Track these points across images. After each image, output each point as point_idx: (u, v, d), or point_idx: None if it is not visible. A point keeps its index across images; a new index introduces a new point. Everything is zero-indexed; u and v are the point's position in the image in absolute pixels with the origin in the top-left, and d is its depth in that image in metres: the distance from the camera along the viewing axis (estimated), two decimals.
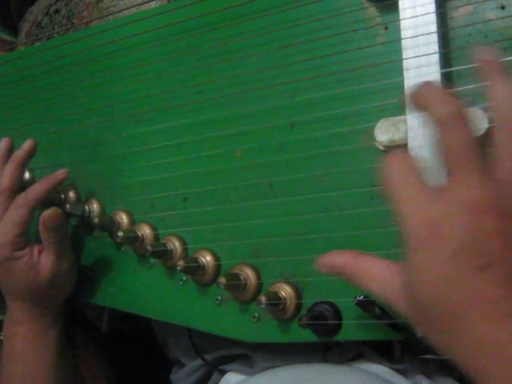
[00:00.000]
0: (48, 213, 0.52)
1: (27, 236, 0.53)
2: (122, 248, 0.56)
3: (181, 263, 0.49)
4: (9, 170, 0.53)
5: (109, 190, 0.57)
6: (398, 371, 0.48)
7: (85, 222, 0.57)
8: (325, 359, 0.50)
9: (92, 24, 0.79)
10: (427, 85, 0.33)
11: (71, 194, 0.59)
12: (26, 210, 0.52)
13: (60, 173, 0.55)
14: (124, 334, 0.83)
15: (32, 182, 0.57)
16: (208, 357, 0.58)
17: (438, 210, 0.29)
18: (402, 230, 0.31)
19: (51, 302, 0.56)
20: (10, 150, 0.55)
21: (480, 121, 0.40)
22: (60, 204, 0.56)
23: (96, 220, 0.54)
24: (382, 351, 0.49)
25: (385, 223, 0.44)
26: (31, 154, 0.55)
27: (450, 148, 0.30)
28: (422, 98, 0.32)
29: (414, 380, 0.47)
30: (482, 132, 0.39)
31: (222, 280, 0.47)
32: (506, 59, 0.41)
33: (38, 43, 0.84)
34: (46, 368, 0.55)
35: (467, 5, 0.42)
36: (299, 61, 0.49)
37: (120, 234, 0.52)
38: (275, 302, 0.46)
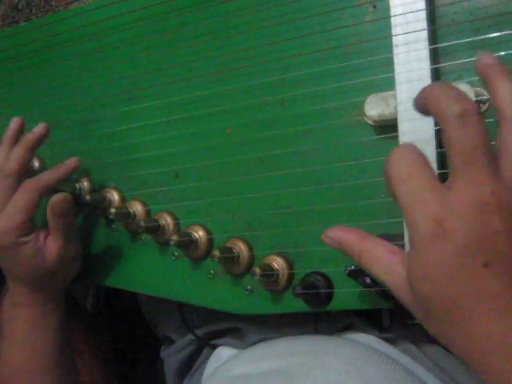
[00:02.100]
0: (57, 198, 0.51)
1: (33, 221, 0.52)
2: (113, 225, 0.57)
3: (174, 238, 0.50)
4: (17, 153, 0.51)
5: (99, 167, 0.58)
6: (387, 340, 0.49)
7: (75, 200, 0.58)
8: (315, 330, 0.52)
9: (71, 6, 0.79)
10: (439, 84, 0.34)
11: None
12: (35, 196, 0.51)
13: (72, 161, 0.54)
14: (110, 313, 0.84)
15: (41, 170, 0.56)
16: (199, 332, 0.59)
17: (446, 206, 0.30)
18: (408, 223, 0.31)
19: (54, 287, 0.55)
20: (21, 131, 0.54)
21: (467, 93, 0.41)
22: None
23: (87, 197, 0.55)
24: (371, 321, 0.50)
25: (373, 195, 0.46)
26: (42, 138, 0.54)
27: (461, 145, 0.30)
28: (433, 96, 0.32)
29: (403, 348, 0.49)
30: None
31: (216, 253, 0.48)
32: (491, 35, 0.42)
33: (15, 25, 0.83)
34: (45, 352, 0.55)
35: None
36: (288, 38, 0.50)
37: (112, 210, 0.53)
38: (269, 273, 0.47)
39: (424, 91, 0.33)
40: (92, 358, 0.69)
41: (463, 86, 0.42)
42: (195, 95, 0.53)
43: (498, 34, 0.42)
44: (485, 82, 0.33)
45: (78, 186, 0.57)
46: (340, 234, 0.37)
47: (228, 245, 0.50)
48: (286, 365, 0.46)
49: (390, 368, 0.45)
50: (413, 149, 0.32)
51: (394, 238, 0.43)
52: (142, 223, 0.52)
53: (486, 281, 0.29)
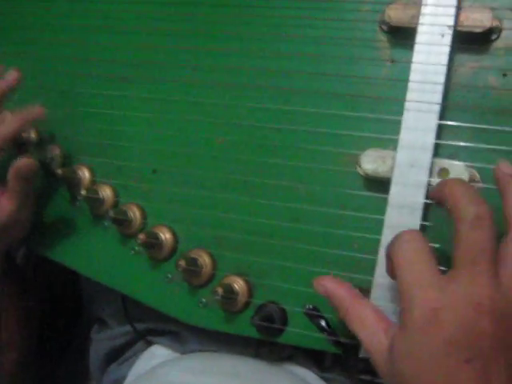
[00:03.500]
0: (25, 162, 0.49)
1: None
2: (77, 203, 0.55)
3: (142, 237, 0.50)
4: None
5: (76, 143, 0.56)
6: (325, 379, 0.51)
7: (45, 169, 0.56)
8: (256, 354, 0.52)
9: None
10: (460, 182, 0.35)
11: (33, 136, 0.57)
12: None
13: (36, 109, 0.52)
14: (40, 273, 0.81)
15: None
16: (138, 326, 0.59)
17: (444, 298, 0.32)
18: (404, 304, 0.33)
19: None
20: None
21: (461, 174, 0.42)
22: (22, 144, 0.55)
23: (59, 171, 0.53)
24: (312, 357, 0.52)
25: (347, 245, 0.47)
26: (12, 86, 0.52)
27: (470, 245, 0.32)
28: (453, 194, 0.34)
29: None
30: None
31: (182, 263, 0.48)
32: (493, 127, 0.44)
33: None
34: None
35: (473, 63, 0.45)
36: (298, 70, 0.49)
37: (83, 192, 0.52)
38: (229, 295, 0.47)
39: (445, 186, 0.35)
40: (14, 317, 0.67)
41: (459, 166, 0.43)
42: (194, 98, 0.52)
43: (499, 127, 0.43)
44: (499, 188, 0.35)
45: (49, 155, 0.55)
46: (333, 286, 0.39)
47: (193, 255, 0.50)
48: None
49: None
50: (419, 236, 0.34)
51: (361, 292, 0.45)
52: (112, 214, 0.51)
53: (465, 375, 0.31)
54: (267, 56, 0.50)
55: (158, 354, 0.57)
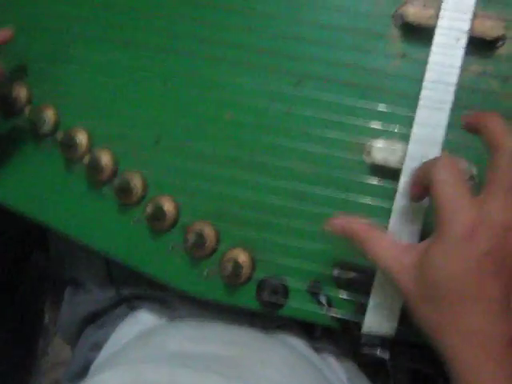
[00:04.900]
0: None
1: None
2: (73, 168, 0.54)
3: (149, 209, 0.50)
4: None
5: (71, 105, 0.54)
6: (314, 348, 0.54)
7: (35, 131, 0.54)
8: (250, 324, 0.55)
9: None
10: (499, 117, 0.39)
11: (22, 95, 0.54)
12: None
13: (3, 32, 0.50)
14: None
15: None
16: (122, 290, 0.59)
17: (480, 217, 0.36)
18: (442, 219, 0.37)
19: None
20: None
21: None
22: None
23: (59, 135, 0.51)
24: (303, 327, 0.55)
25: None
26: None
27: (505, 174, 0.36)
28: (496, 127, 0.38)
29: (323, 357, 0.55)
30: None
31: (190, 236, 0.49)
32: None
33: None
34: None
35: (477, 67, 0.49)
36: (312, 55, 0.51)
37: (84, 159, 0.51)
38: (237, 269, 0.49)
39: (486, 118, 0.39)
40: None
41: (462, 163, 0.47)
42: (205, 74, 0.52)
43: None
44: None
45: (42, 117, 0.53)
46: (348, 222, 0.43)
47: (197, 228, 0.51)
48: (226, 353, 0.49)
49: (317, 375, 0.50)
50: (456, 161, 0.39)
51: (363, 272, 0.48)
52: (117, 182, 0.51)
53: (491, 286, 0.36)
54: (284, 38, 0.51)
55: (142, 319, 0.58)
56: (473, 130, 0.40)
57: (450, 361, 0.37)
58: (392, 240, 0.42)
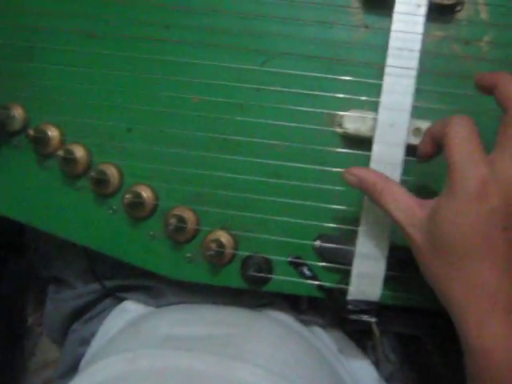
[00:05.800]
0: None
1: None
2: (45, 163, 0.54)
3: (128, 197, 0.50)
4: None
5: (39, 101, 0.54)
6: (301, 321, 0.55)
7: (3, 130, 0.53)
8: (237, 302, 0.55)
9: None
10: (506, 74, 0.39)
11: None
12: None
13: None
14: None
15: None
16: (106, 283, 0.59)
17: (492, 173, 0.36)
18: (455, 175, 0.37)
19: None
20: None
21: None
22: None
23: (30, 131, 0.51)
24: (289, 302, 0.56)
25: (327, 199, 0.51)
26: None
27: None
28: (504, 81, 0.38)
29: (312, 330, 0.55)
30: None
31: (173, 221, 0.49)
32: (457, 91, 0.49)
33: None
34: None
35: (439, 32, 0.50)
36: (276, 32, 0.51)
37: (60, 152, 0.51)
38: (220, 249, 0.50)
39: (497, 78, 0.39)
40: None
41: (426, 125, 0.48)
42: (169, 58, 0.52)
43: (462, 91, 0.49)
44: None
45: (11, 113, 0.53)
46: (364, 173, 0.44)
47: (177, 212, 0.51)
48: (217, 333, 0.49)
49: (308, 347, 0.51)
50: (472, 121, 0.38)
51: (344, 242, 0.49)
52: (93, 174, 0.50)
53: (500, 240, 0.36)
54: (245, 17, 0.52)
55: (129, 308, 0.58)
56: (485, 90, 0.41)
57: (456, 314, 0.38)
58: (407, 193, 0.42)
